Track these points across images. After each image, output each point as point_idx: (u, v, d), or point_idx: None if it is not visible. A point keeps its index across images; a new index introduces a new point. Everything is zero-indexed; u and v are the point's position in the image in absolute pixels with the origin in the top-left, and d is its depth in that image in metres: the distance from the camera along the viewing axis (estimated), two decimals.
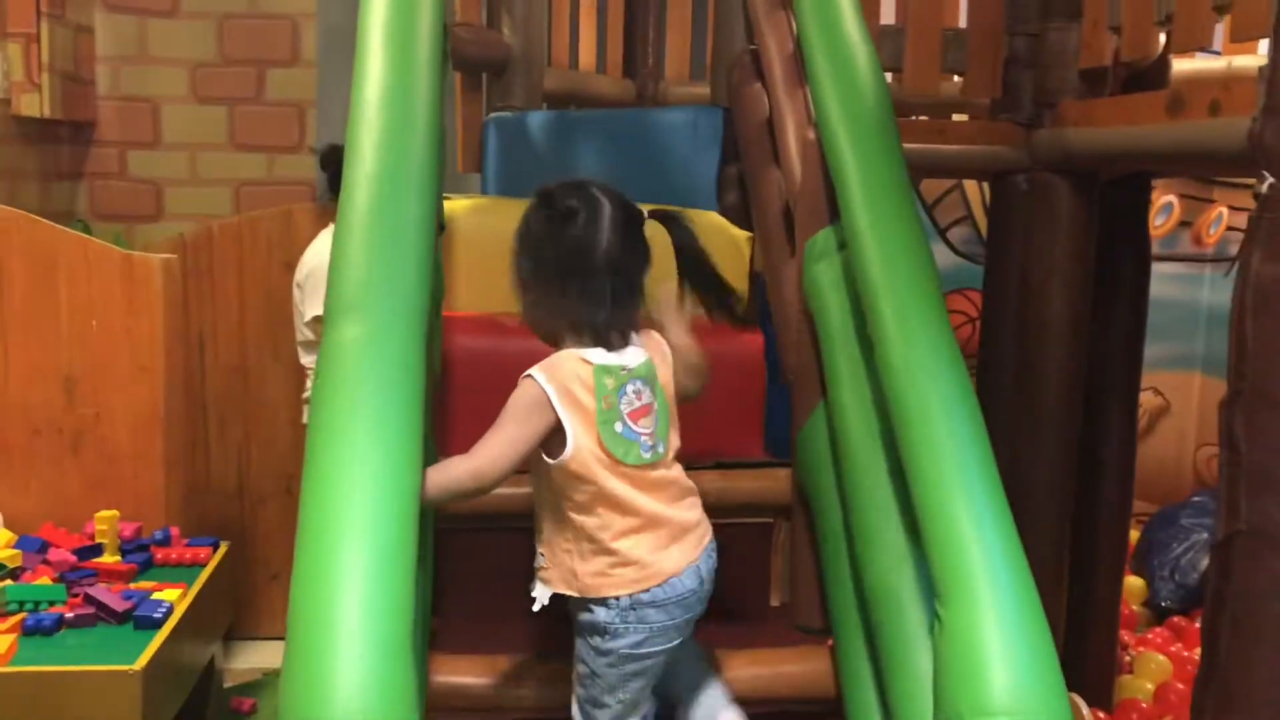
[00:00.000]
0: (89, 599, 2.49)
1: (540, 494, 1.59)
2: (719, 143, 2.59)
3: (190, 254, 3.53)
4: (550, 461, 1.52)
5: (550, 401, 1.49)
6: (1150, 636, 3.85)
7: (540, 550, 1.60)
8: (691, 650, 1.71)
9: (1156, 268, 3.20)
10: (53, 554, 2.71)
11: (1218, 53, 3.58)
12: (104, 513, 2.80)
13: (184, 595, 2.63)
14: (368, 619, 1.20)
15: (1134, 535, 3.92)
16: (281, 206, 3.68)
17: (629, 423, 1.53)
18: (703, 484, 1.68)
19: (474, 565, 1.95)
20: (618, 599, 1.54)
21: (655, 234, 1.61)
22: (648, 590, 1.54)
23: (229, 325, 3.62)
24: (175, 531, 2.97)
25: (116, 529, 2.80)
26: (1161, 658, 3.59)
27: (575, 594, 1.56)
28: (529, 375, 1.51)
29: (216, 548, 2.97)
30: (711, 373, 1.70)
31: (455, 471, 1.48)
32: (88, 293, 2.92)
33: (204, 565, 2.85)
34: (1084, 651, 3.06)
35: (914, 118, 3.12)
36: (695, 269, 1.65)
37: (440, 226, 1.98)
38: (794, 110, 2.09)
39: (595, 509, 1.53)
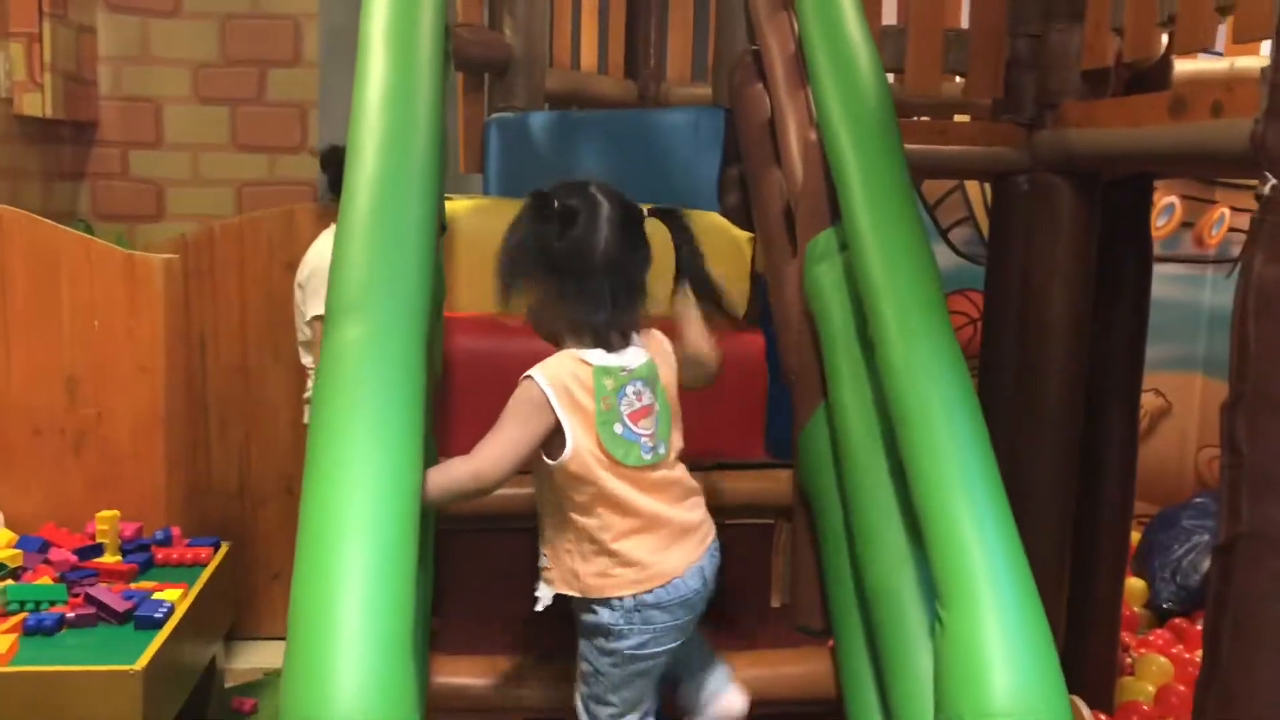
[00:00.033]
0: (90, 599, 2.50)
1: (542, 495, 1.59)
2: (720, 143, 2.58)
3: (192, 254, 3.54)
4: (550, 462, 1.51)
5: (549, 402, 1.49)
6: (1151, 638, 3.84)
7: (543, 551, 1.60)
8: (693, 634, 1.70)
9: (1158, 269, 3.19)
10: (54, 554, 2.72)
11: (1220, 54, 3.58)
12: (105, 513, 2.80)
13: (185, 595, 2.64)
14: (368, 619, 1.20)
15: (1135, 537, 3.91)
16: (283, 207, 3.69)
17: (629, 424, 1.53)
18: (704, 485, 1.68)
19: (475, 566, 1.95)
20: (621, 600, 1.54)
21: (655, 231, 1.61)
22: (651, 591, 1.54)
23: (230, 325, 3.62)
24: (176, 531, 2.97)
25: (117, 529, 2.80)
26: (1163, 660, 3.59)
27: (577, 595, 1.56)
28: (528, 376, 1.51)
29: (217, 548, 2.97)
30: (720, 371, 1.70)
31: (456, 473, 1.48)
32: (89, 293, 2.92)
33: (205, 565, 2.85)
34: (1085, 653, 3.05)
35: (915, 118, 3.11)
36: (691, 267, 1.65)
37: (442, 227, 1.98)
38: (795, 111, 2.09)
39: (595, 510, 1.53)
